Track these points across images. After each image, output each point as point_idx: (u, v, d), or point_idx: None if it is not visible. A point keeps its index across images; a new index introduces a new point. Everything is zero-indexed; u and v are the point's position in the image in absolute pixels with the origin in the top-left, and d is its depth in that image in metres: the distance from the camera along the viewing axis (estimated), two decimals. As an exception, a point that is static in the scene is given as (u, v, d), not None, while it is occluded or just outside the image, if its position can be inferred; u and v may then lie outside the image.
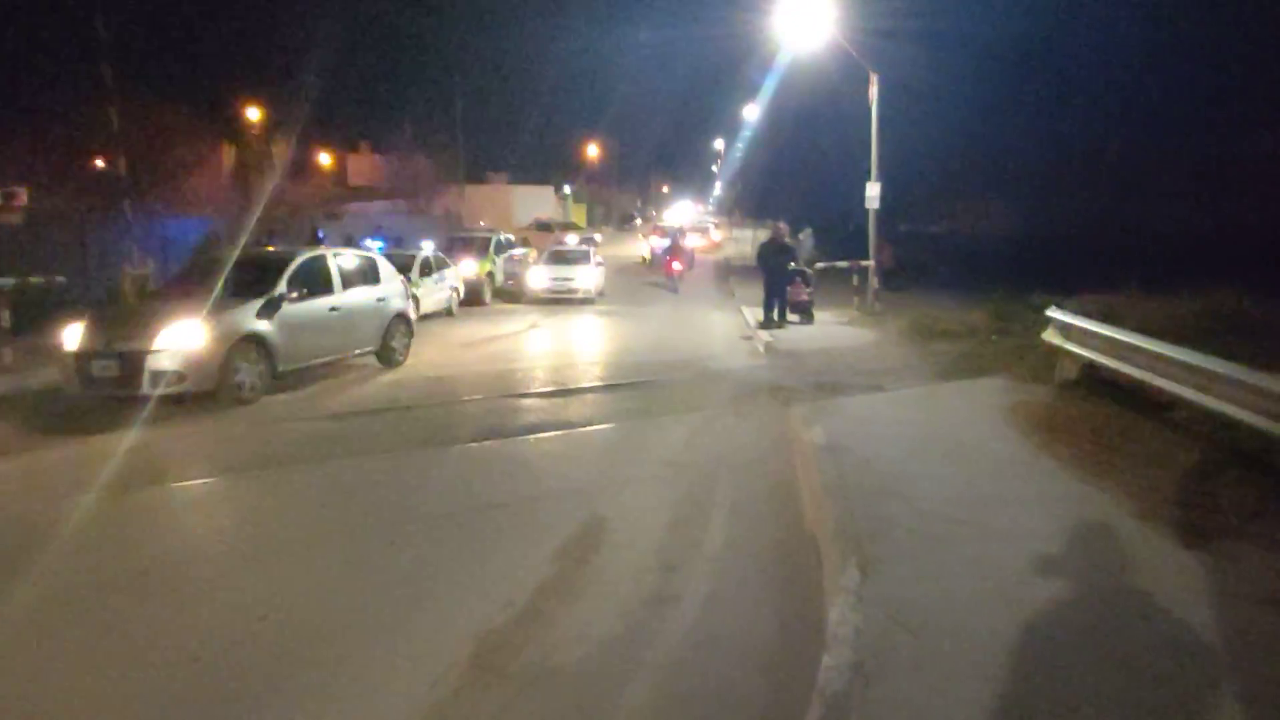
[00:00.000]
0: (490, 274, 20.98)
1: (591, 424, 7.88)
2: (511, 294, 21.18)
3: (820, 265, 17.16)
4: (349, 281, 10.23)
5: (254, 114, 46.08)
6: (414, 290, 16.55)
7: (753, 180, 51.07)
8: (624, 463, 6.53)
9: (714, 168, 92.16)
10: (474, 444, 7.08)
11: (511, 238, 25.31)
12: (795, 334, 13.19)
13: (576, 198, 68.13)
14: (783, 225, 16.19)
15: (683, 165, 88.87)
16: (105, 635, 3.85)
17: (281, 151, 50.99)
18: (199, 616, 4.01)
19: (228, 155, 46.97)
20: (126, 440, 7.22)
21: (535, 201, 55.05)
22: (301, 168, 50.19)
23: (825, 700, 2.98)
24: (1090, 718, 2.88)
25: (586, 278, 20.40)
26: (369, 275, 10.79)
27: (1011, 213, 29.93)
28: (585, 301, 19.82)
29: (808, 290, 15.05)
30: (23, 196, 40.78)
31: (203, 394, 8.20)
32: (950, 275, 21.19)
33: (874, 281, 16.45)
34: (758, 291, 20.24)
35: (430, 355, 12.07)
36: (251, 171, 46.58)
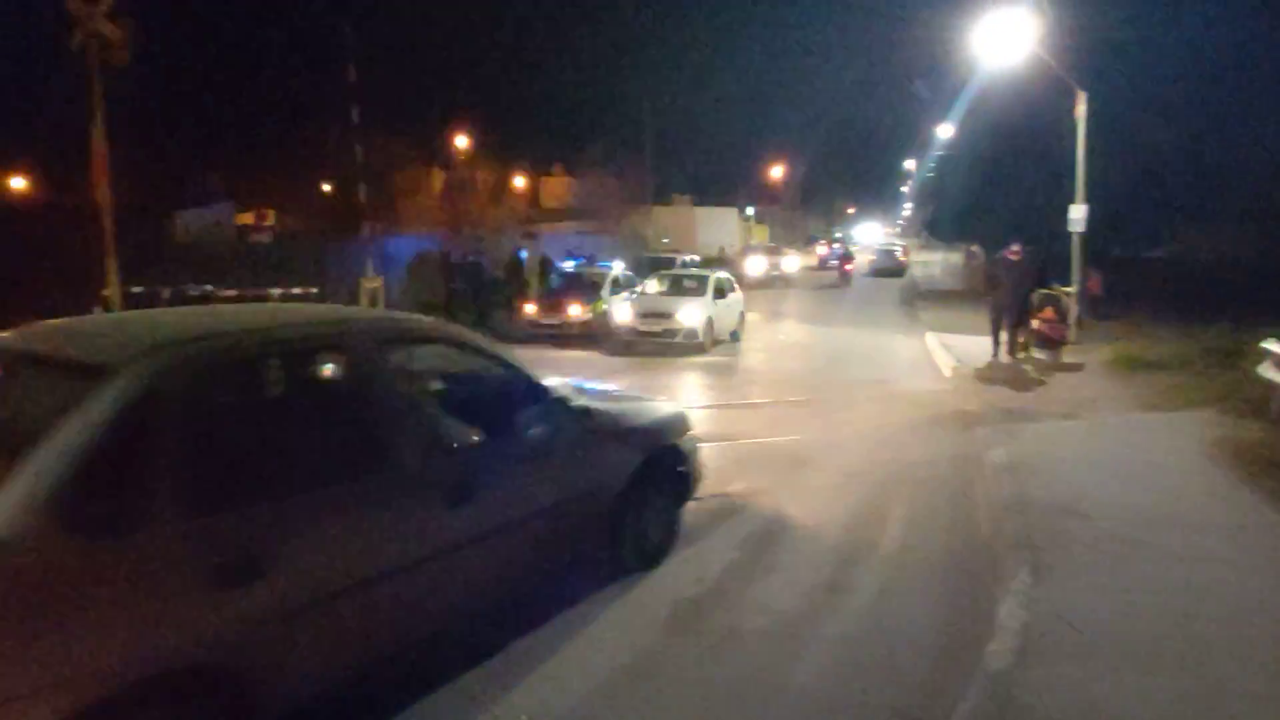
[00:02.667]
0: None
1: (775, 435, 8.33)
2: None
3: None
4: None
5: (461, 141, 50.25)
6: (604, 306, 17.71)
7: (945, 201, 49.39)
8: (802, 471, 6.92)
9: (903, 188, 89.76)
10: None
11: (697, 258, 26.21)
12: (985, 360, 12.82)
13: (759, 219, 68.54)
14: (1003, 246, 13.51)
15: (869, 186, 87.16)
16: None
17: (484, 176, 55.04)
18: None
19: (437, 180, 51.35)
20: None
21: (718, 223, 55.99)
22: (499, 190, 54.10)
23: (987, 674, 3.30)
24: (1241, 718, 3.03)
25: (692, 315, 14.09)
26: None
27: (1250, 238, 27.15)
28: (690, 348, 13.85)
29: (1064, 326, 12.34)
30: (270, 217, 46.31)
31: None
32: (1169, 304, 19.69)
33: (1075, 309, 15.68)
34: (947, 316, 19.91)
35: (613, 366, 13.01)
36: (457, 194, 50.62)
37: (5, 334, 3.19)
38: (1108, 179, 19.74)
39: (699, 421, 8.41)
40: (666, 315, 14.12)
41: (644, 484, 4.60)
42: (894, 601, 4.36)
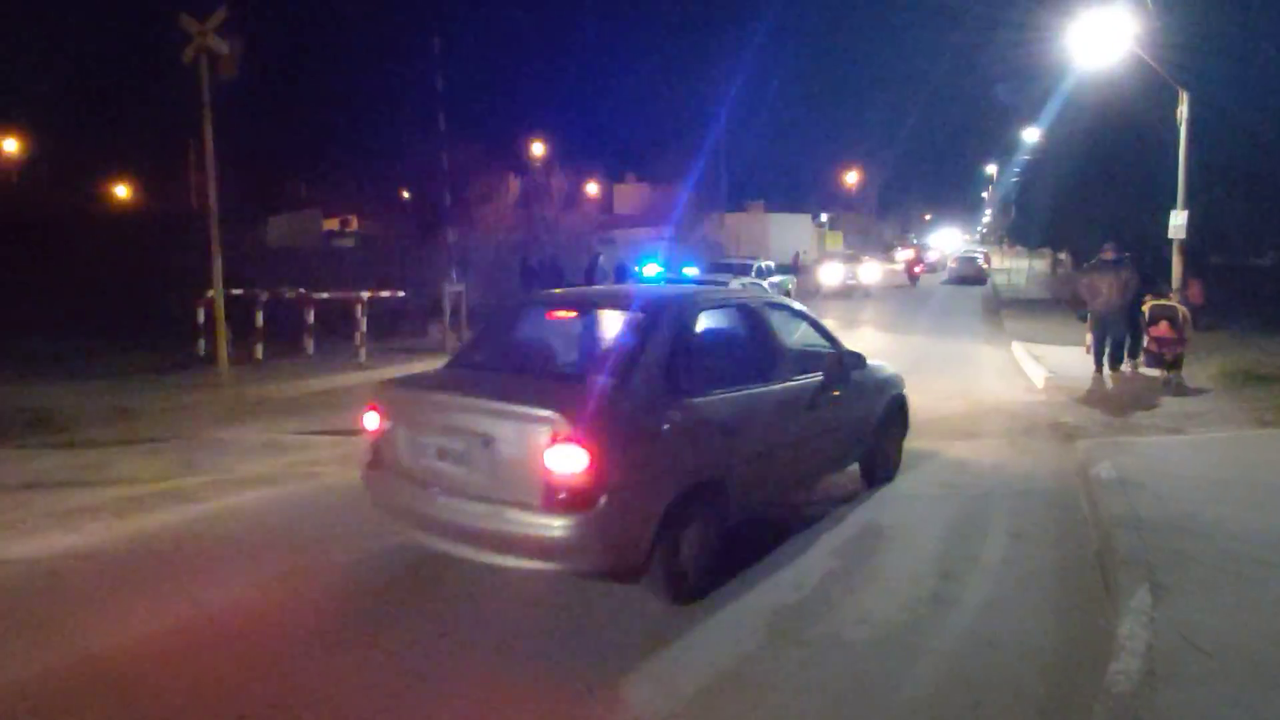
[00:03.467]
0: (749, 299, 21.79)
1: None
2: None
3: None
4: None
5: (537, 148, 50.98)
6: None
7: (1030, 207, 47.94)
8: (897, 479, 6.79)
9: (983, 194, 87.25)
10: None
11: (771, 265, 25.98)
12: (1078, 371, 12.31)
13: (832, 225, 67.60)
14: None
15: (948, 192, 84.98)
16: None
17: (559, 183, 55.69)
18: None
19: (512, 186, 52.18)
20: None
21: (791, 229, 55.43)
22: (573, 197, 54.69)
23: (1112, 698, 3.18)
24: None
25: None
26: None
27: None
28: None
29: (1181, 343, 10.39)
30: (354, 223, 47.52)
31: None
32: (1274, 315, 18.60)
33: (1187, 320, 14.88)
34: (1033, 326, 19.26)
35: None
36: (533, 201, 51.34)
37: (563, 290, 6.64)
38: (1209, 183, 18.78)
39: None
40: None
41: (888, 419, 6.61)
42: (1002, 616, 4.24)
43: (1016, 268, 42.50)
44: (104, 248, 17.32)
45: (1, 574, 4.74)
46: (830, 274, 31.89)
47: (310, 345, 13.12)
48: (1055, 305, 25.45)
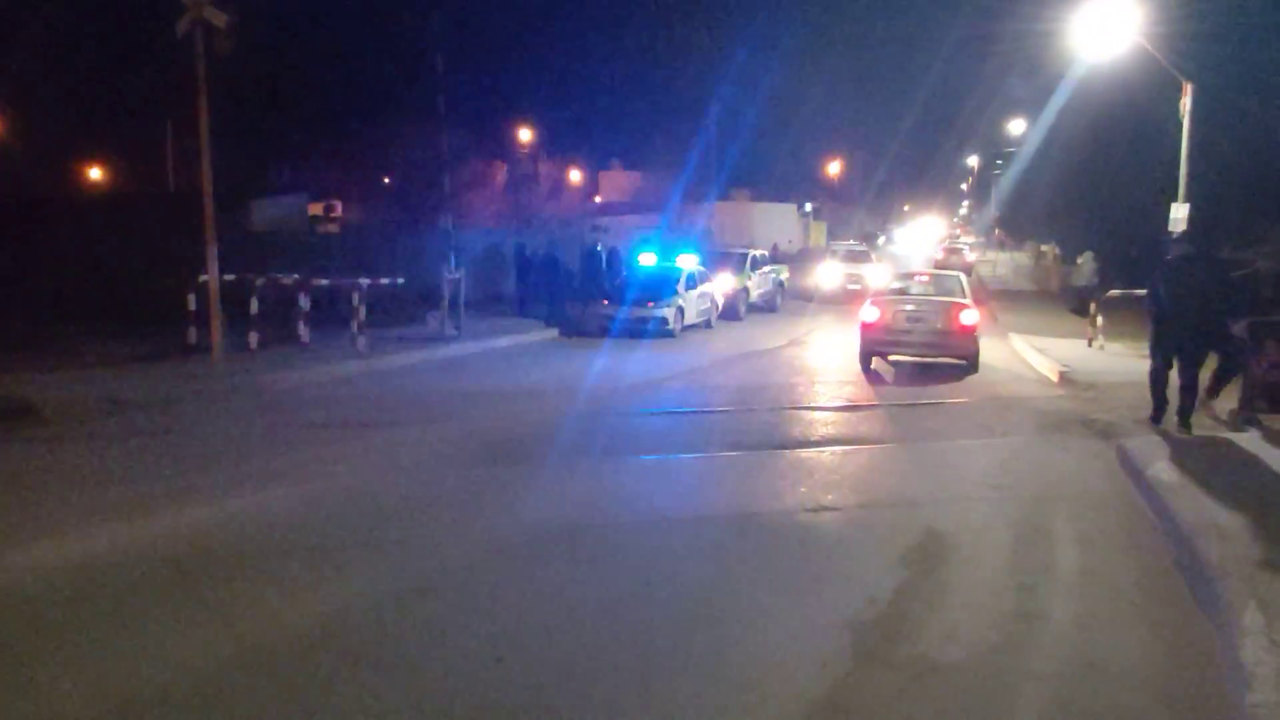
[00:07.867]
0: (745, 289, 21.49)
1: (893, 441, 7.96)
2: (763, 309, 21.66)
3: (1114, 293, 15.57)
4: None
5: (524, 135, 50.35)
6: (679, 302, 17.41)
7: (1019, 198, 47.94)
8: (941, 481, 6.56)
9: (963, 186, 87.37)
10: (787, 451, 7.40)
11: (766, 254, 25.66)
12: (1093, 365, 12.13)
13: (817, 216, 67.42)
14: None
15: (927, 182, 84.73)
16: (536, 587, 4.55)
17: (546, 170, 54.96)
18: (620, 571, 4.61)
19: (500, 174, 51.45)
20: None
21: (776, 219, 55.21)
22: (559, 184, 54.01)
23: (1261, 733, 2.93)
24: None
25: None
26: None
27: None
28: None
29: None
30: (339, 209, 46.45)
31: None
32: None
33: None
34: (1025, 318, 19.11)
35: (696, 363, 12.70)
36: (520, 189, 50.60)
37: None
38: (1211, 177, 18.70)
39: (797, 423, 8.12)
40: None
41: None
42: (1098, 634, 3.98)
43: (998, 259, 42.68)
44: (82, 230, 16.62)
45: (7, 583, 4.35)
46: (829, 275, 25.77)
47: (306, 334, 12.66)
48: (1043, 297, 25.53)
